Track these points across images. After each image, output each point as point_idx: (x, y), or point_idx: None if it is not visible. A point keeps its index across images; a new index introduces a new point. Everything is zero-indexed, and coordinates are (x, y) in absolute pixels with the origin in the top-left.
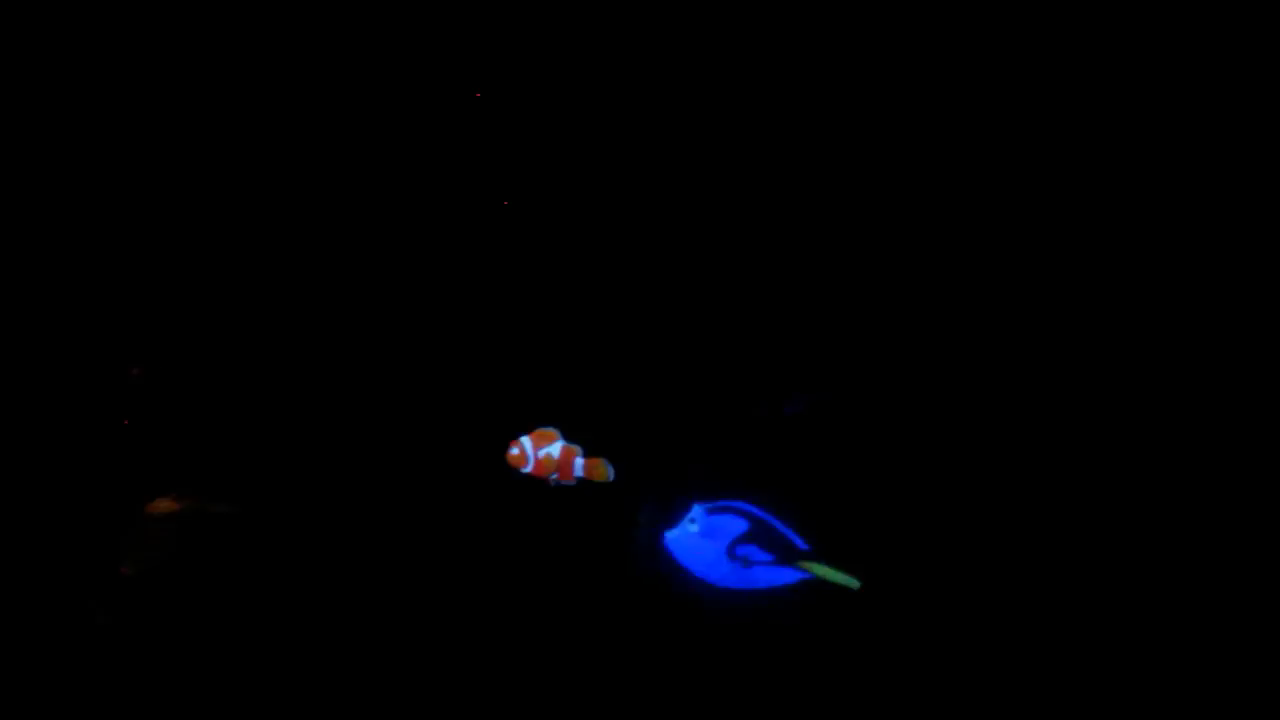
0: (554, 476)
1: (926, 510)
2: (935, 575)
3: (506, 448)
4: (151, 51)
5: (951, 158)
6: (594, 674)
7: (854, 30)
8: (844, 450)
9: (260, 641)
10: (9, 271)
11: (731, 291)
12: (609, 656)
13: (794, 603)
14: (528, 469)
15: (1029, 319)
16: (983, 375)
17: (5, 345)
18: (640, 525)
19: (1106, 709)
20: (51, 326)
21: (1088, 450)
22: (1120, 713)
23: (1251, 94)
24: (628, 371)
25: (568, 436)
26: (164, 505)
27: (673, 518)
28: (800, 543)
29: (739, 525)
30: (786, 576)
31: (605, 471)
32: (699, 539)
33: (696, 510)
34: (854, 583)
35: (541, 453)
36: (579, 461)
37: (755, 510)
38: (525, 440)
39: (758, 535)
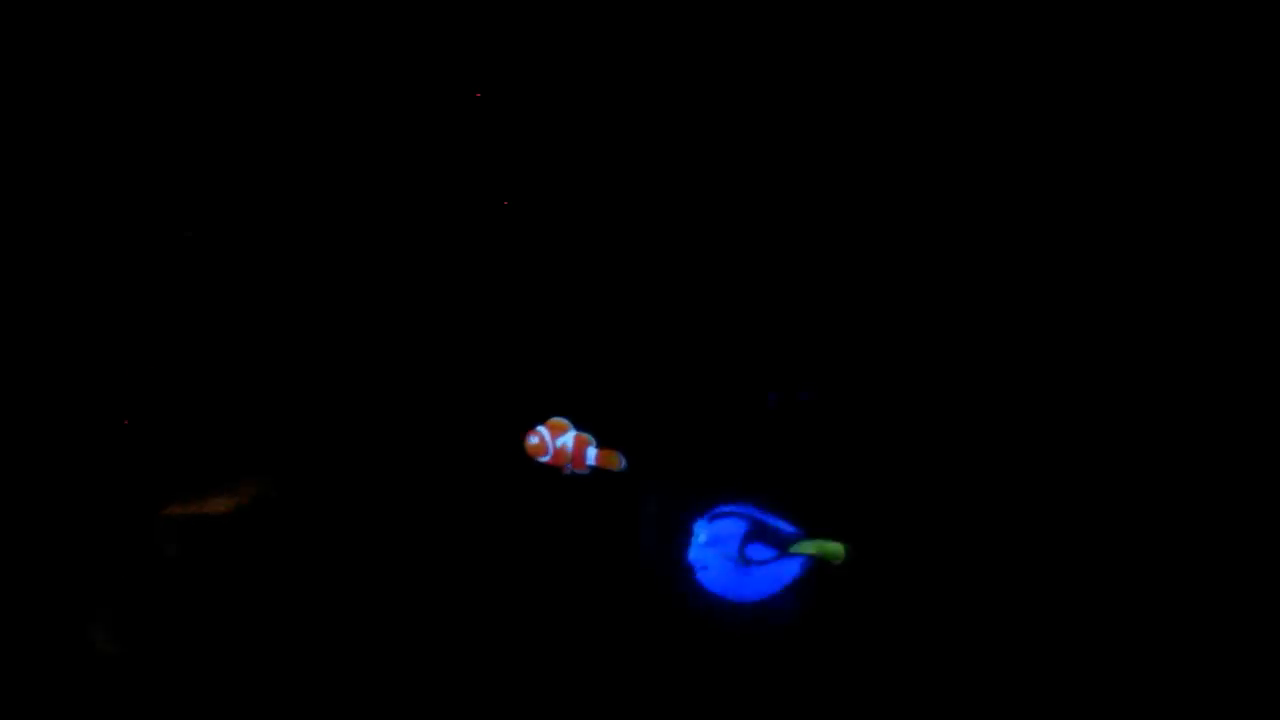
0: (569, 466)
1: (920, 503)
2: (931, 569)
3: (523, 437)
4: (152, 52)
5: (949, 157)
6: (602, 664)
7: (854, 30)
8: (839, 443)
9: (282, 631)
10: (9, 272)
11: (729, 287)
12: (616, 648)
13: (796, 600)
14: (546, 458)
15: (1021, 315)
16: (976, 370)
17: (5, 345)
18: (645, 517)
19: (1103, 705)
20: (51, 326)
21: (1079, 445)
22: (1118, 710)
23: (1251, 94)
24: (627, 363)
25: (577, 427)
26: (221, 503)
27: (678, 534)
28: (789, 528)
29: (740, 526)
30: (793, 569)
31: (617, 461)
32: (710, 550)
33: (699, 525)
34: (840, 549)
35: (558, 442)
36: (592, 451)
37: (747, 509)
38: (544, 430)
39: (757, 533)
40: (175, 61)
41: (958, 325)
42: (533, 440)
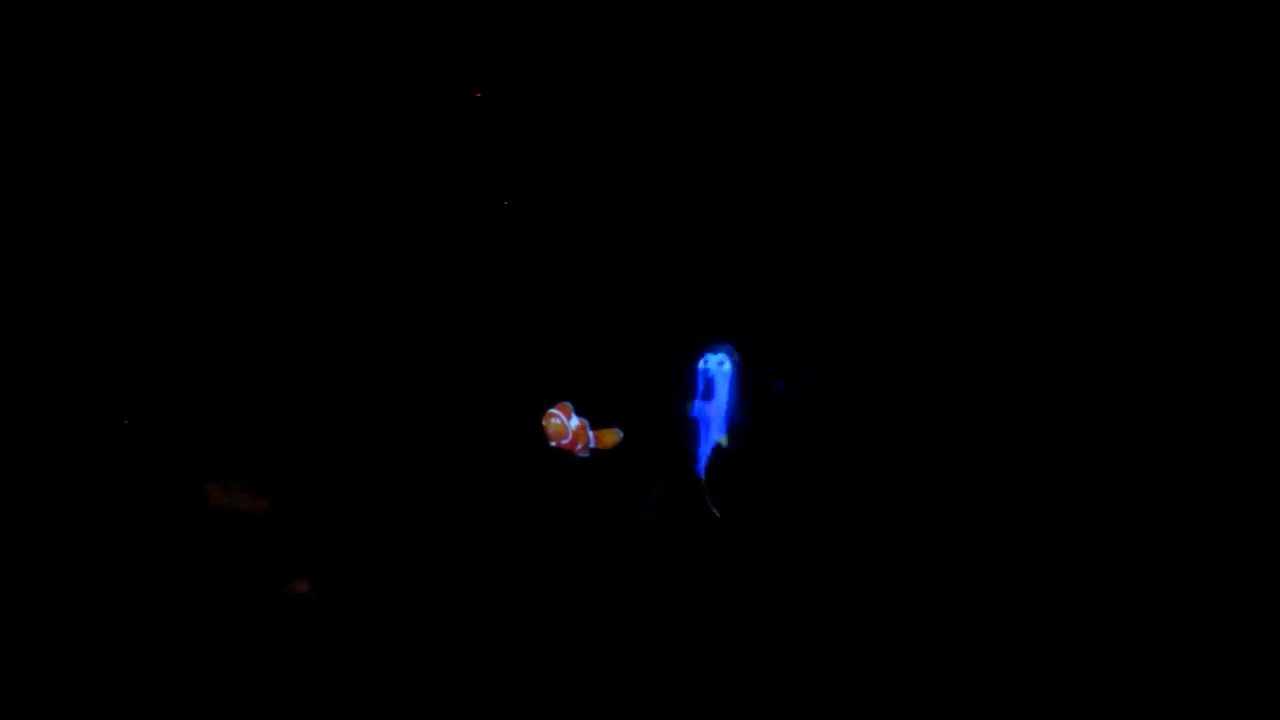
0: (580, 446)
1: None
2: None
3: (544, 419)
4: (152, 52)
5: (947, 157)
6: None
7: (853, 30)
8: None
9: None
10: (9, 272)
11: (727, 285)
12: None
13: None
14: (566, 440)
15: (1017, 314)
16: (975, 370)
17: (5, 345)
18: (647, 503)
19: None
20: (51, 327)
21: (1075, 439)
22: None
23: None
24: (623, 358)
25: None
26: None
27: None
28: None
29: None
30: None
31: (616, 436)
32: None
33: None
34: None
35: (572, 423)
36: (591, 433)
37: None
38: (558, 412)
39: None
40: (175, 61)
41: (962, 318)
42: (555, 421)
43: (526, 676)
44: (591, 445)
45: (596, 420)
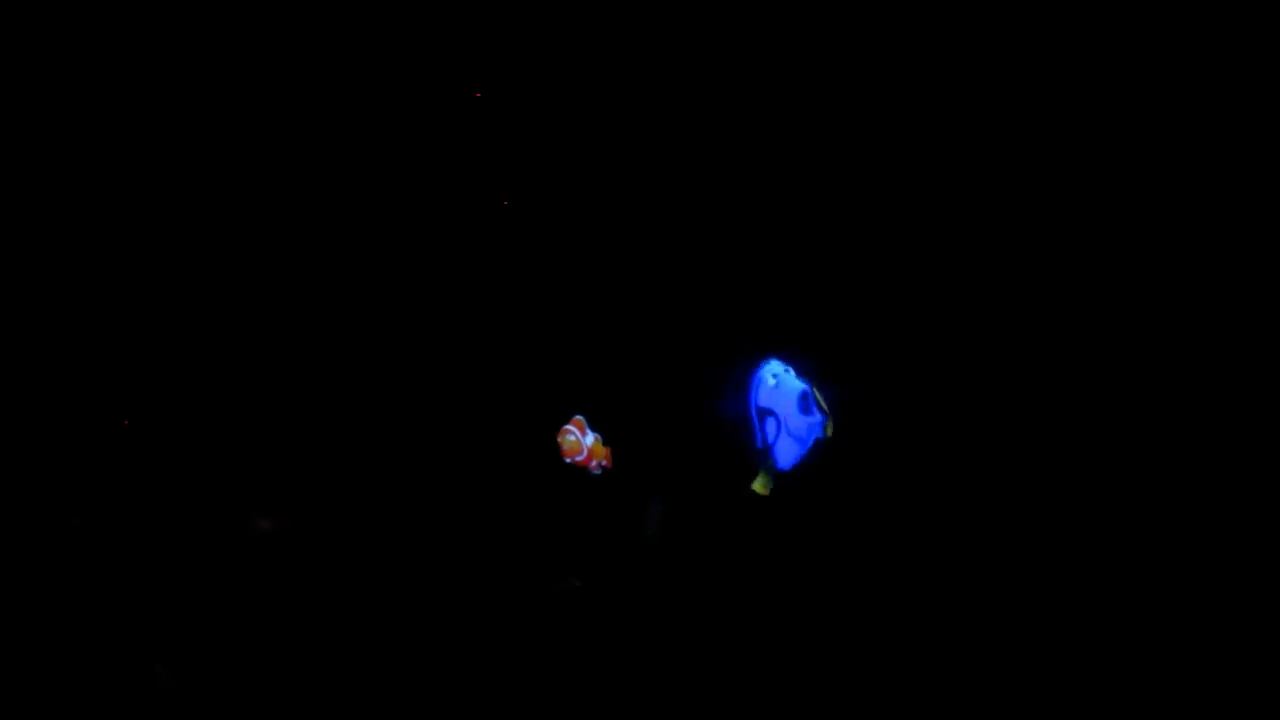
0: (595, 463)
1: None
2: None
3: (559, 436)
4: (153, 52)
5: (947, 158)
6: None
7: (853, 31)
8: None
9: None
10: (9, 272)
11: (727, 284)
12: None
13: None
14: (580, 457)
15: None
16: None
17: (5, 346)
18: (651, 516)
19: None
20: (52, 327)
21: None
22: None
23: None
24: (625, 363)
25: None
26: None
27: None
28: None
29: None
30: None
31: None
32: (778, 396)
33: (768, 369)
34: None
35: (587, 440)
36: (606, 449)
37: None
38: (573, 429)
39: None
40: (175, 62)
41: (965, 322)
42: (570, 438)
43: (531, 683)
44: (604, 463)
45: (609, 437)
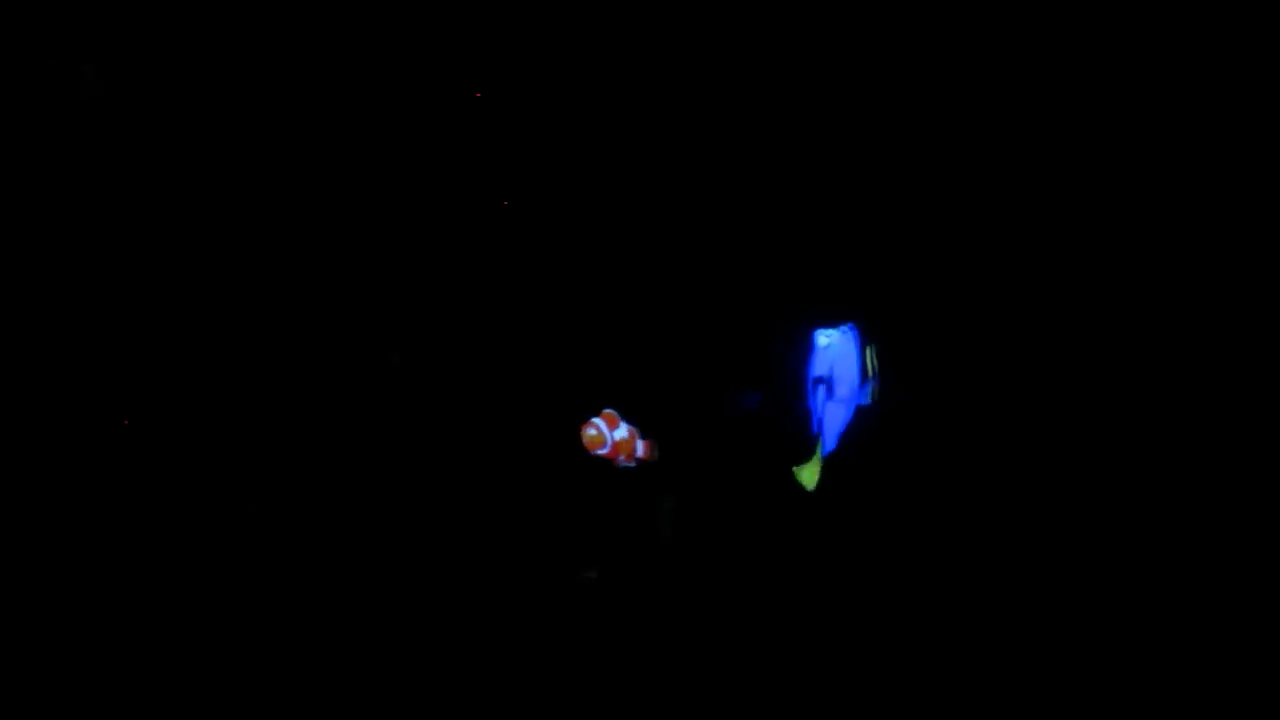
0: (622, 458)
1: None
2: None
3: (581, 429)
4: (154, 52)
5: (947, 159)
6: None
7: (852, 31)
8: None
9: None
10: (9, 272)
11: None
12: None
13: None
14: (604, 450)
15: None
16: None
17: (6, 346)
18: (663, 512)
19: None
20: (52, 327)
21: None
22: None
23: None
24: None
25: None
26: None
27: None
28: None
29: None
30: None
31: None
32: (832, 360)
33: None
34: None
35: (615, 434)
36: (640, 443)
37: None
38: (600, 422)
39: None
40: (176, 62)
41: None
42: (590, 432)
43: (544, 676)
44: (639, 455)
45: (646, 429)
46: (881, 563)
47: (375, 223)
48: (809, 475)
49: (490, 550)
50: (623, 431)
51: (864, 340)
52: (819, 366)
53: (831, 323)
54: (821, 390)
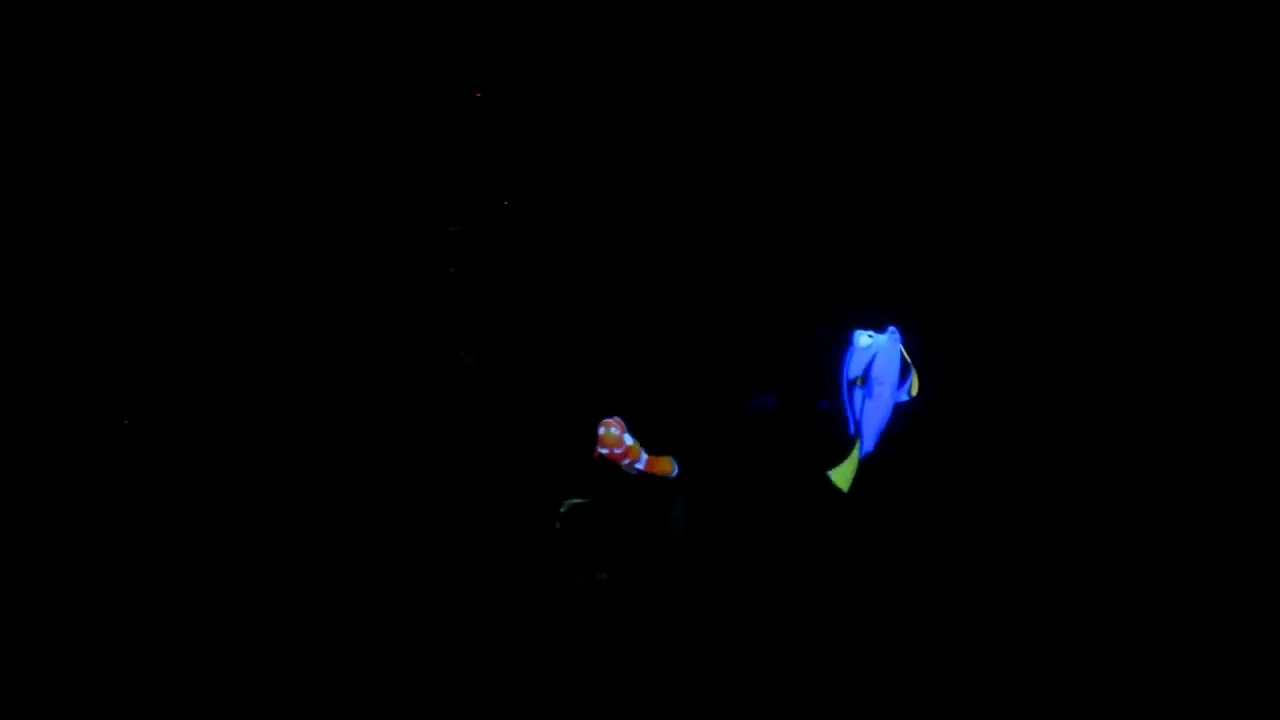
0: (628, 461)
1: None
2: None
3: (603, 426)
4: (154, 52)
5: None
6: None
7: (851, 31)
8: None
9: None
10: (9, 272)
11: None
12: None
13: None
14: (617, 451)
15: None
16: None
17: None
18: (674, 515)
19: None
20: (52, 327)
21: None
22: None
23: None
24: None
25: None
26: None
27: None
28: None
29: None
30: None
31: (670, 466)
32: (870, 360)
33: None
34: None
35: (627, 438)
36: (644, 456)
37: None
38: (615, 423)
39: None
40: (176, 62)
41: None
42: (614, 431)
43: (552, 676)
44: (640, 467)
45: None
46: (906, 561)
47: (397, 225)
48: (843, 476)
49: (502, 550)
50: (630, 440)
51: (904, 340)
52: (855, 367)
53: (872, 324)
54: (859, 391)
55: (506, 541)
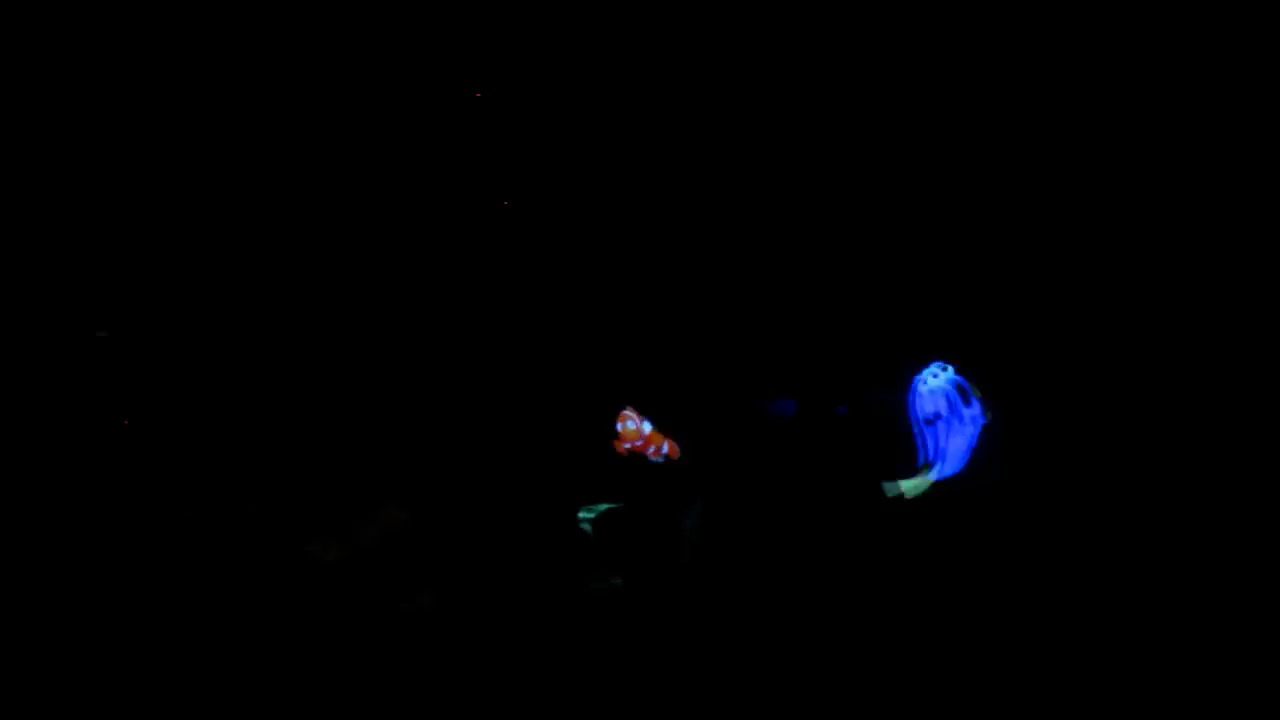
0: (653, 450)
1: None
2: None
3: (621, 421)
4: (154, 52)
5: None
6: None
7: (851, 31)
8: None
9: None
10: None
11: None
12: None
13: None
14: (639, 442)
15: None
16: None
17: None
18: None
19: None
20: (51, 327)
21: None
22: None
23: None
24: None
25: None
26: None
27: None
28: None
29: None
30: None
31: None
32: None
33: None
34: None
35: (645, 427)
36: (664, 442)
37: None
38: (631, 415)
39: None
40: (176, 62)
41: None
42: (630, 425)
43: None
44: (665, 452)
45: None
46: (916, 568)
47: (397, 225)
48: (914, 487)
49: (514, 555)
50: (649, 426)
51: (963, 372)
52: (927, 406)
53: (928, 364)
54: (940, 424)
55: (521, 544)
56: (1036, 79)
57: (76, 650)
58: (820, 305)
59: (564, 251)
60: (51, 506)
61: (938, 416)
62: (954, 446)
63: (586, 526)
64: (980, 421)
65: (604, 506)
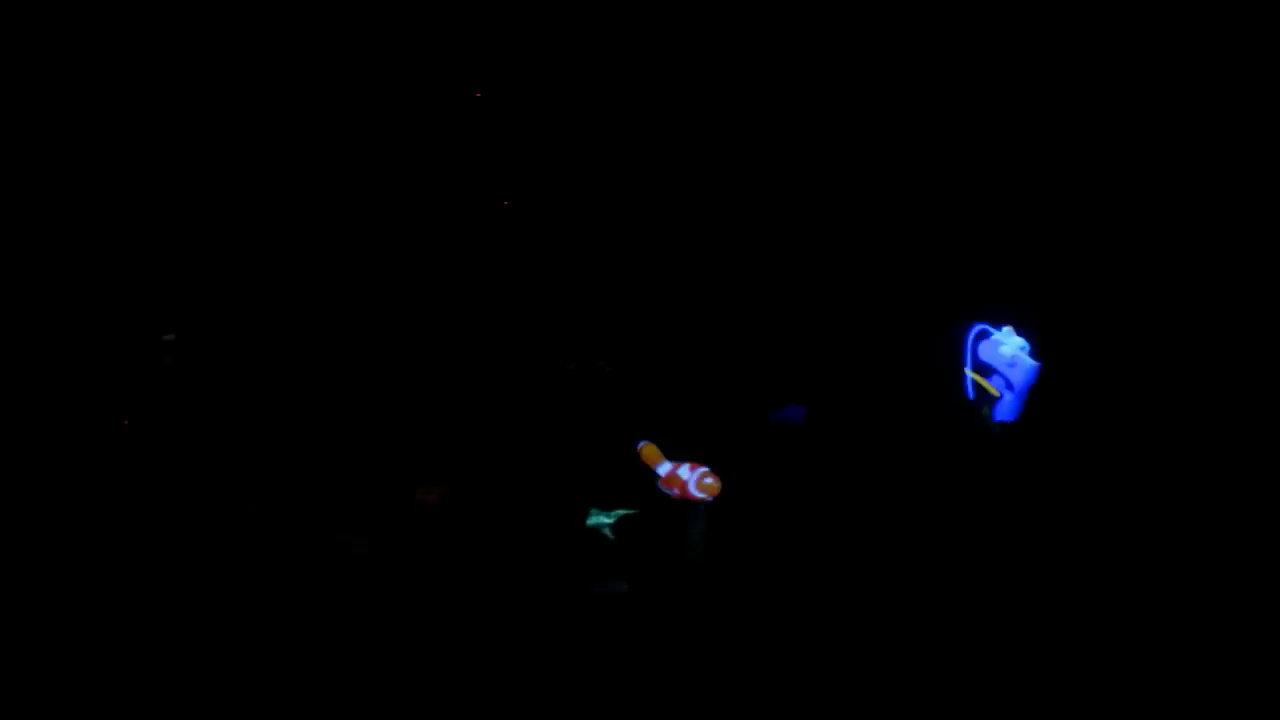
0: (674, 490)
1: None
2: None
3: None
4: (155, 52)
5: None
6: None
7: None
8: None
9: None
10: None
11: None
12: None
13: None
14: (663, 471)
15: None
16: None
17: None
18: (694, 528)
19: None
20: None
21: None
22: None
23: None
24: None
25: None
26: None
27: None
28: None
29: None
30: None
31: (716, 487)
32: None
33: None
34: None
35: (677, 469)
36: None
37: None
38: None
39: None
40: (177, 62)
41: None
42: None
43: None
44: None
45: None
46: (919, 571)
47: (396, 225)
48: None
49: (522, 558)
50: (666, 468)
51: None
52: (987, 355)
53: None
54: (996, 379)
55: (526, 549)
56: (1037, 79)
57: (79, 651)
58: (820, 305)
59: (564, 251)
60: (53, 505)
61: (994, 371)
62: (1019, 387)
63: (607, 531)
64: (1033, 379)
65: (621, 511)
